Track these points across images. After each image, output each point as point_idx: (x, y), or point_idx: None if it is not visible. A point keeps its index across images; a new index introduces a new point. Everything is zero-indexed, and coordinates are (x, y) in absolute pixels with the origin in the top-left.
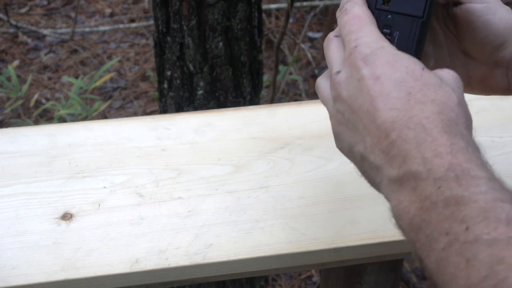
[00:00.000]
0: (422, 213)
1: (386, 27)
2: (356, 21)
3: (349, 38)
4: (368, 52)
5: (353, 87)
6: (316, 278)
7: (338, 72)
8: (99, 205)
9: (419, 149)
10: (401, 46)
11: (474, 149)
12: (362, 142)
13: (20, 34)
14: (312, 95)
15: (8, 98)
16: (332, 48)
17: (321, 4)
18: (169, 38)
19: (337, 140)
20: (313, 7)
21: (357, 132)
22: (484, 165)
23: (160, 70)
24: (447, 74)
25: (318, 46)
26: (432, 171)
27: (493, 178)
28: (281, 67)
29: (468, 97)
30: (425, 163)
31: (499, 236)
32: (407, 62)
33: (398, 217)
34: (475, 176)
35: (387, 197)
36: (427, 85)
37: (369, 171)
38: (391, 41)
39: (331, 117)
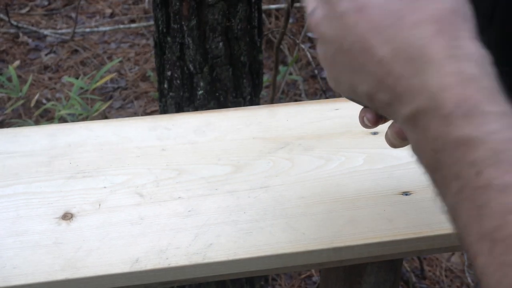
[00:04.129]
0: (435, 153)
1: None
2: None
3: None
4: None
5: (335, 26)
6: (316, 278)
7: (314, 10)
8: (100, 205)
9: (424, 83)
10: None
11: (485, 72)
12: (365, 81)
13: (20, 34)
14: (312, 95)
15: (9, 98)
16: None
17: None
18: (169, 38)
19: (336, 83)
20: None
21: (356, 73)
22: (497, 94)
23: (160, 70)
24: None
25: None
26: (439, 107)
27: (507, 113)
28: (281, 67)
29: None
30: (432, 99)
31: None
32: None
33: (417, 156)
34: (487, 112)
35: (406, 134)
36: (415, 1)
37: (382, 108)
38: None
39: (321, 60)
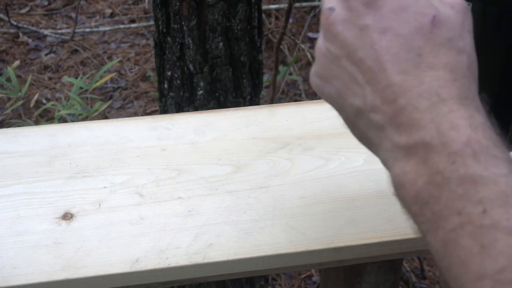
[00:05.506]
0: (431, 188)
1: None
2: None
3: None
4: None
5: (353, 34)
6: (316, 278)
7: (332, 9)
8: (100, 205)
9: (434, 120)
10: None
11: (490, 124)
12: (361, 96)
13: (20, 34)
14: (312, 95)
15: (9, 99)
16: None
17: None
18: (169, 39)
19: (322, 82)
20: (313, 8)
21: (355, 84)
22: (501, 144)
23: (160, 70)
24: (455, 20)
25: None
26: (447, 144)
27: (511, 160)
28: (281, 67)
29: None
30: (440, 135)
31: None
32: (415, 11)
33: (400, 187)
34: (495, 155)
35: (386, 162)
36: (438, 45)
37: (364, 128)
38: None
39: (320, 55)
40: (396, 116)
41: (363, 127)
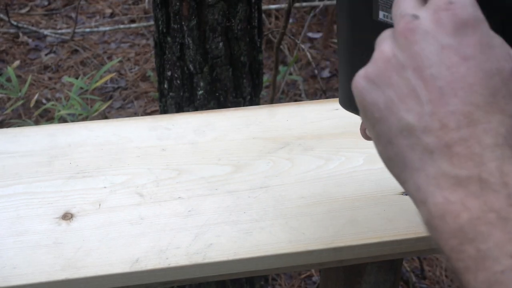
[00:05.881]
0: (480, 224)
1: None
2: None
3: None
4: (465, 17)
5: (432, 50)
6: (316, 278)
7: (416, 16)
8: (100, 205)
9: (497, 159)
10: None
11: None
12: (417, 114)
13: (20, 34)
14: (312, 95)
15: (9, 99)
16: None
17: (321, 4)
18: (169, 39)
19: (375, 86)
20: (313, 8)
21: (413, 99)
22: None
23: (160, 70)
24: None
25: (318, 46)
26: (508, 185)
27: None
28: (281, 67)
29: None
30: (502, 175)
31: None
32: (500, 54)
33: (440, 217)
34: None
35: (424, 188)
36: (510, 94)
37: (406, 147)
38: None
39: (382, 55)
40: (453, 145)
41: (405, 146)
